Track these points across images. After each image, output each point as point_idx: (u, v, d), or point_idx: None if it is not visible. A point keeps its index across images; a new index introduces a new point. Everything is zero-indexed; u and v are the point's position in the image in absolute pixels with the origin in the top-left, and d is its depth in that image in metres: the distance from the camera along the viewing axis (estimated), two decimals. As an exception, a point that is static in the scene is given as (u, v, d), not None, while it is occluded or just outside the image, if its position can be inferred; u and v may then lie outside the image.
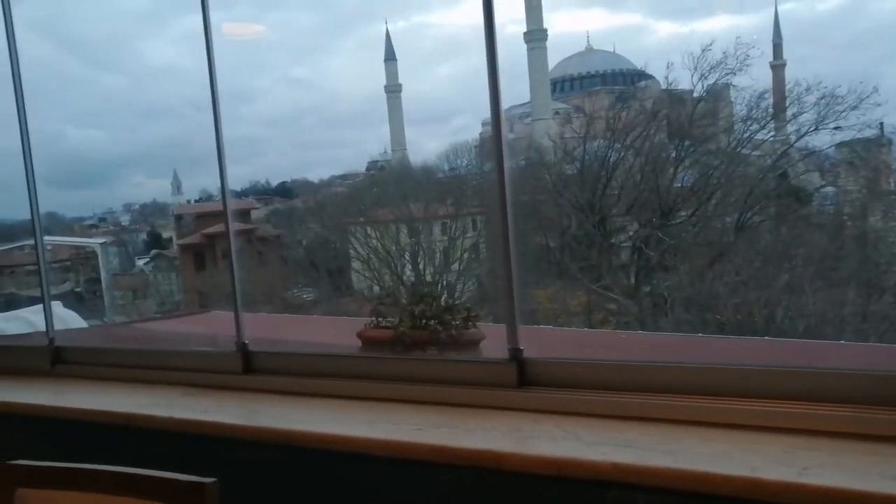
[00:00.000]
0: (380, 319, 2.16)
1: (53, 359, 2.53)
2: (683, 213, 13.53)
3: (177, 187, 16.07)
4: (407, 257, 13.59)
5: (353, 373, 2.03)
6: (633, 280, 13.30)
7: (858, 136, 12.62)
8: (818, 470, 1.27)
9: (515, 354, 1.79)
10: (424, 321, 2.06)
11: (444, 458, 1.58)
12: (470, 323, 2.08)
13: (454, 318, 2.07)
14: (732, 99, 14.55)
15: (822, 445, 1.37)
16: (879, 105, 12.09)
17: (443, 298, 2.13)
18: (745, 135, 14.12)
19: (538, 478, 1.48)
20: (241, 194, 17.05)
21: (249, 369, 2.17)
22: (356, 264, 14.07)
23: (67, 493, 1.34)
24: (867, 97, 12.14)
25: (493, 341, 2.06)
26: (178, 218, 15.11)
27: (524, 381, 1.79)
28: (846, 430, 1.39)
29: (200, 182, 16.34)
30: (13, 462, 1.41)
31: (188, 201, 15.92)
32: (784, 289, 10.76)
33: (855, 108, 12.37)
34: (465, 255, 13.43)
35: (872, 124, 12.37)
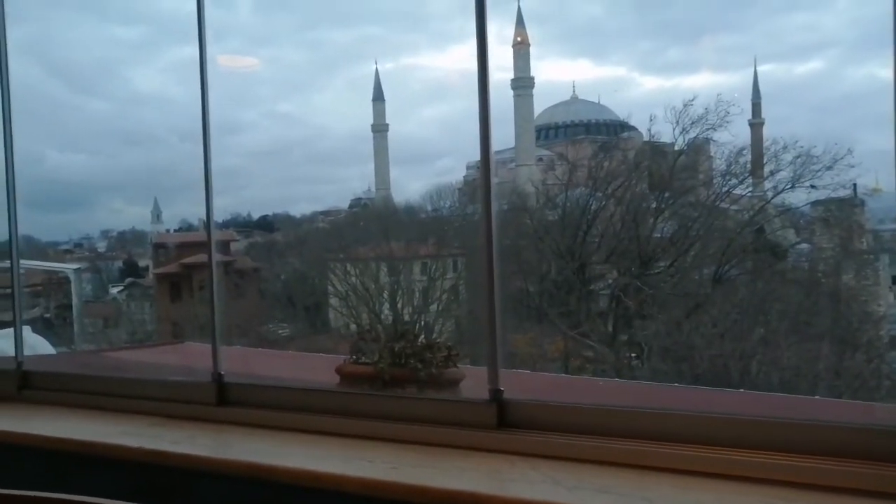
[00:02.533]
0: (359, 355, 2.14)
1: (21, 384, 2.46)
2: (662, 264, 13.70)
3: (157, 216, 15.93)
4: (386, 296, 13.53)
5: (330, 408, 1.99)
6: (610, 328, 13.35)
7: (833, 195, 12.99)
8: (795, 521, 1.27)
9: (496, 395, 1.78)
10: (404, 359, 2.04)
11: (419, 499, 1.55)
12: (450, 362, 2.06)
13: (435, 356, 2.06)
14: (712, 153, 14.94)
15: (800, 497, 1.37)
16: (853, 167, 12.49)
17: (421, 337, 2.11)
18: (724, 189, 14.45)
19: (514, 521, 1.46)
20: (221, 226, 16.96)
21: (224, 401, 2.13)
22: (334, 301, 13.98)
23: (28, 522, 1.29)
24: (841, 158, 12.54)
25: (472, 382, 2.05)
26: (157, 247, 14.93)
27: (504, 423, 1.77)
28: (823, 483, 1.40)
29: (181, 211, 16.25)
30: (-26, 488, 1.36)
31: (167, 230, 15.79)
32: (759, 342, 10.86)
33: (830, 168, 12.76)
34: (445, 295, 13.42)
35: (846, 185, 12.75)
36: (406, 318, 13.19)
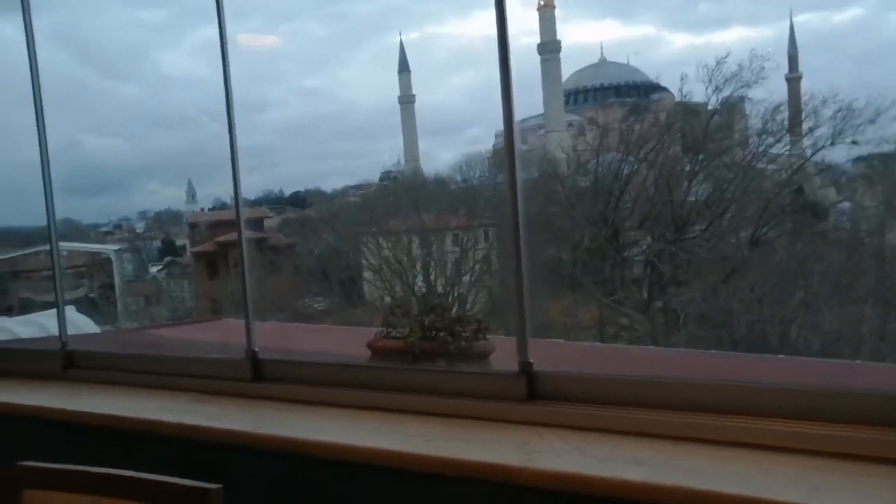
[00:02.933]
0: (390, 330, 2.16)
1: (66, 363, 2.55)
2: (697, 228, 13.43)
3: (191, 196, 16.17)
4: (419, 268, 13.59)
5: (362, 383, 2.02)
6: (645, 294, 13.21)
7: (876, 150, 12.51)
8: (829, 491, 1.25)
9: (525, 368, 1.78)
10: (434, 332, 2.05)
11: (451, 471, 1.57)
12: (480, 335, 2.07)
13: (464, 329, 2.07)
14: (747, 112, 14.48)
15: (835, 467, 1.34)
16: (899, 119, 11.96)
17: (453, 310, 2.11)
18: (761, 148, 14.02)
19: (545, 492, 1.47)
20: (254, 203, 17.14)
21: (258, 377, 2.17)
22: (368, 274, 14.09)
23: (73, 495, 1.35)
24: (885, 111, 12.01)
25: (503, 353, 2.05)
26: (192, 226, 15.18)
27: (533, 395, 1.78)
28: (860, 453, 1.37)
29: (214, 190, 16.45)
30: (22, 463, 1.41)
31: (202, 209, 16.02)
32: (799, 306, 10.64)
33: (872, 121, 12.24)
34: (477, 266, 13.41)
35: (890, 139, 12.24)
36: (439, 289, 13.25)
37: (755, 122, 14.19)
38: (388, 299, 13.00)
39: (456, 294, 13.12)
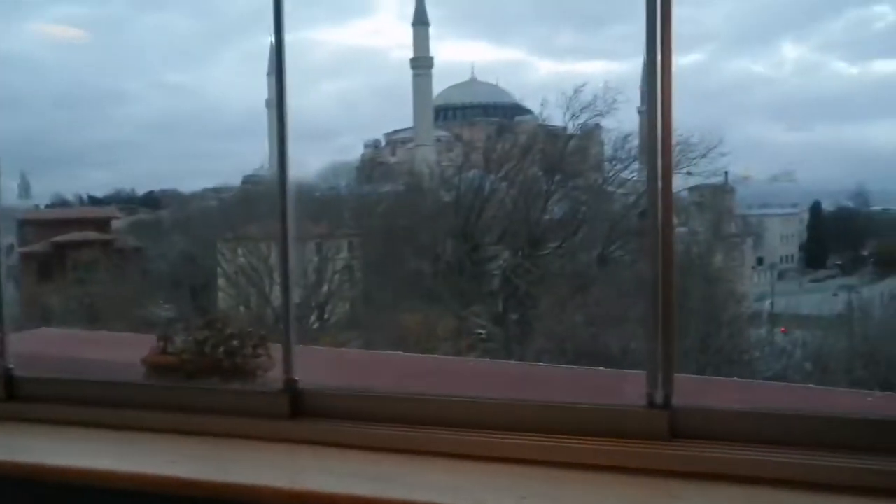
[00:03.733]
0: (167, 345, 2.06)
1: None
2: (552, 245, 14.14)
3: (25, 189, 14.67)
4: (276, 277, 13.20)
5: (127, 402, 1.91)
6: (501, 308, 13.67)
7: (706, 182, 13.82)
8: (536, 499, 1.34)
9: (289, 385, 1.76)
10: (210, 349, 1.98)
11: (191, 492, 1.51)
12: (260, 350, 2.02)
13: (244, 345, 2.01)
14: (602, 139, 15.51)
15: (548, 476, 1.44)
16: (724, 155, 13.33)
17: (229, 327, 2.05)
18: (611, 174, 15.05)
19: None
20: (101, 202, 15.92)
21: (12, 396, 1.99)
22: (222, 282, 13.50)
23: None
24: (714, 147, 13.34)
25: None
26: (23, 223, 13.77)
27: (298, 412, 1.76)
28: (567, 461, 1.48)
29: (53, 185, 15.07)
30: None
31: (36, 206, 14.59)
32: (638, 321, 11.43)
33: (704, 156, 13.53)
34: (336, 276, 13.25)
35: (718, 172, 13.59)
36: (297, 300, 12.92)
37: (608, 149, 15.25)
38: (242, 309, 12.51)
39: (314, 304, 12.87)
